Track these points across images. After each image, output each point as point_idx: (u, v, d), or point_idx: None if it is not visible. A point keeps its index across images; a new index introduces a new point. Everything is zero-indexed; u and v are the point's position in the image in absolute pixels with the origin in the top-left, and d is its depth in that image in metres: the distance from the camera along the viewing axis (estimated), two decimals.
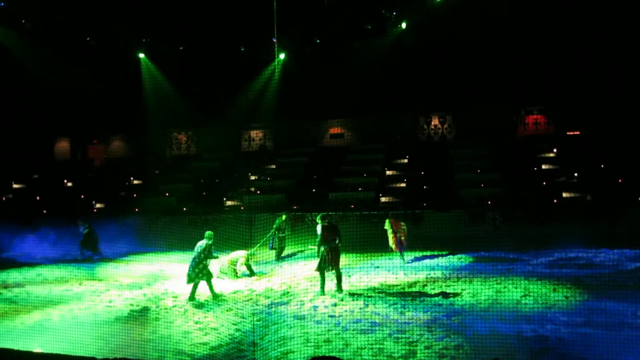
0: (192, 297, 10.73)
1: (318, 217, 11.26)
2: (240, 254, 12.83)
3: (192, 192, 21.78)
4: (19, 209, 20.80)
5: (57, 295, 11.73)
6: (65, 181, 24.17)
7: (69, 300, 11.22)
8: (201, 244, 10.75)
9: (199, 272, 10.68)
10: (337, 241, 10.94)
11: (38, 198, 22.19)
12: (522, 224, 15.83)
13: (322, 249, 10.87)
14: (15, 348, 7.36)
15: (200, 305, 10.53)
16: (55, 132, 26.60)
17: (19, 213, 19.85)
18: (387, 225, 13.41)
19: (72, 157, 26.90)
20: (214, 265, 12.26)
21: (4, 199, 22.54)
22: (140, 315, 10.14)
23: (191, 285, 10.77)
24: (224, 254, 13.10)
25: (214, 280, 11.20)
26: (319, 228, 11.04)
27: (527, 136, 21.88)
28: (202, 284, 10.94)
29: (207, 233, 10.91)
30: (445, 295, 10.66)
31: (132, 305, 10.87)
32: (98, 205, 21.68)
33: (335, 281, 11.10)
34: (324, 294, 10.84)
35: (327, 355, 7.77)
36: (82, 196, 22.06)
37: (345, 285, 11.25)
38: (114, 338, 8.91)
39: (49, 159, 26.57)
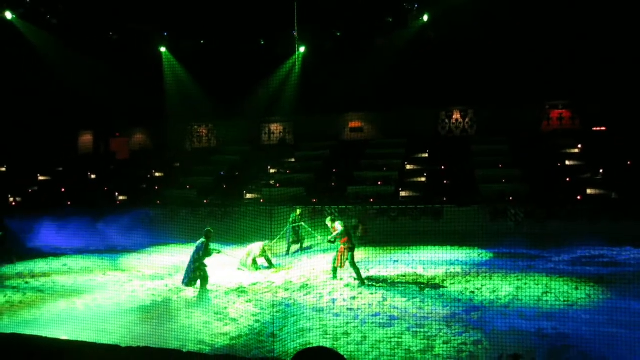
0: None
1: (327, 220, 11.72)
2: (256, 246, 12.97)
3: (212, 184, 22.03)
4: (44, 201, 21.33)
5: (82, 285, 12.04)
6: (89, 173, 24.66)
7: (94, 290, 11.51)
8: (199, 243, 10.56)
9: (198, 274, 10.42)
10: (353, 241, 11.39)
11: (63, 190, 22.70)
12: (545, 220, 15.63)
13: (340, 246, 11.21)
14: (43, 335, 7.62)
15: (219, 297, 10.70)
16: (78, 125, 27.09)
17: (44, 204, 20.36)
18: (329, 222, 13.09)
19: (95, 150, 27.40)
20: (230, 257, 12.44)
21: (29, 190, 23.11)
22: (162, 305, 10.35)
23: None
24: (242, 246, 13.27)
25: (215, 280, 11.27)
26: (340, 226, 11.21)
27: (551, 131, 21.54)
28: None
29: (205, 230, 10.70)
30: (464, 290, 10.65)
31: (154, 295, 11.11)
32: (121, 198, 22.08)
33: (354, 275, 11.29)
34: (336, 279, 11.24)
35: (334, 347, 7.86)
36: (105, 188, 22.50)
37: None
38: (137, 327, 9.11)
39: (72, 152, 27.11)
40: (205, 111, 24.64)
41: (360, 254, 12.46)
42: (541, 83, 20.38)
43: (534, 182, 17.90)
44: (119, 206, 20.67)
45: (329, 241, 11.43)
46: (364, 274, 11.49)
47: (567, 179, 18.11)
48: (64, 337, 8.34)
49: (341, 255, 11.28)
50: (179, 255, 12.81)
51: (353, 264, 11.20)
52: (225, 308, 10.02)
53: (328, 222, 11.70)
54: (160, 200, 20.45)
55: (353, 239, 11.50)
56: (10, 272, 13.54)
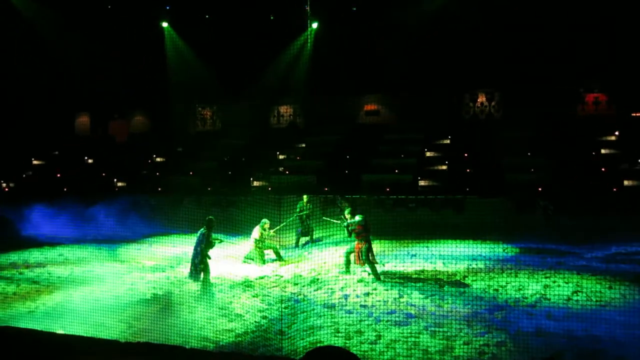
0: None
1: (347, 211, 11.63)
2: (255, 230, 13.02)
3: (217, 171, 22.13)
4: (39, 187, 21.58)
5: (79, 276, 12.20)
6: (86, 158, 24.89)
7: (91, 282, 11.64)
8: (200, 233, 10.57)
9: (201, 267, 10.46)
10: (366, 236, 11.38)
11: (58, 175, 22.94)
12: (577, 214, 15.49)
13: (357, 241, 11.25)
14: (38, 329, 7.74)
15: (224, 291, 10.78)
16: (75, 107, 27.31)
17: (38, 190, 20.60)
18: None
19: (93, 133, 27.64)
20: (237, 249, 12.53)
21: (23, 176, 23.38)
22: (163, 299, 10.46)
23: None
24: (247, 238, 13.33)
25: (219, 272, 11.35)
26: (359, 220, 11.28)
27: (586, 117, 21.23)
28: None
29: (207, 219, 10.71)
30: (487, 288, 10.62)
31: (154, 288, 11.22)
32: (119, 184, 22.29)
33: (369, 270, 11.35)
34: (349, 273, 11.34)
35: (346, 346, 7.89)
36: (103, 174, 22.69)
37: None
38: (137, 322, 9.26)
39: (69, 135, 27.36)
40: (209, 92, 24.69)
41: (375, 247, 12.45)
42: (575, 64, 20.05)
43: (566, 172, 17.70)
44: (117, 193, 20.86)
45: (344, 227, 11.46)
46: (379, 269, 11.49)
47: (603, 169, 17.88)
48: (60, 331, 8.47)
49: (359, 252, 11.26)
50: (182, 245, 12.92)
51: (368, 260, 11.20)
52: (230, 303, 10.09)
53: (347, 214, 11.72)
54: (162, 187, 20.60)
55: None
56: (4, 262, 13.76)
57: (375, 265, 11.28)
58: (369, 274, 11.43)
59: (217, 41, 23.43)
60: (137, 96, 25.60)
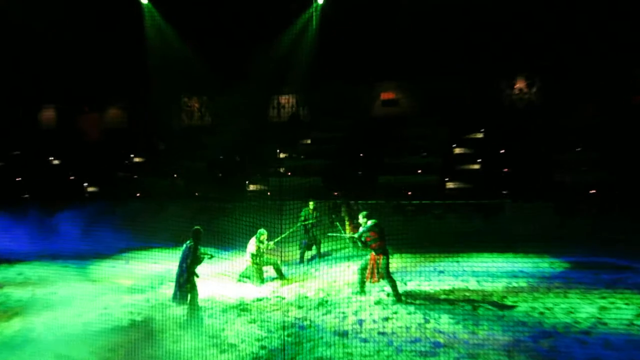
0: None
1: (363, 215, 11.57)
2: (251, 242, 12.91)
3: (206, 172, 22.08)
4: None
5: (42, 299, 12.11)
6: (51, 158, 24.92)
7: (56, 306, 11.56)
8: (185, 246, 10.48)
9: (187, 287, 10.32)
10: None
11: (19, 179, 22.96)
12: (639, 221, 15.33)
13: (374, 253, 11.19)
14: None
15: (215, 315, 10.68)
16: (38, 99, 27.38)
17: None
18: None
19: (60, 129, 27.69)
20: (230, 266, 12.42)
21: None
22: (142, 325, 10.37)
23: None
24: (242, 252, 13.23)
25: (208, 293, 11.29)
26: (371, 224, 11.18)
27: None
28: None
29: (193, 229, 10.63)
30: (531, 311, 10.50)
31: (132, 313, 11.12)
32: (90, 189, 22.29)
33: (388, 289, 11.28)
34: (364, 294, 11.30)
35: None
36: (72, 177, 22.70)
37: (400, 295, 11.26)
38: (111, 353, 9.14)
39: (31, 131, 27.42)
40: (197, 80, 24.66)
41: (394, 262, 12.33)
42: (635, 40, 19.85)
43: (625, 171, 17.52)
44: (88, 199, 20.83)
45: (355, 240, 11.33)
46: (400, 289, 11.35)
47: None
48: None
49: (374, 266, 11.16)
50: (164, 262, 12.82)
51: (388, 276, 11.08)
52: (222, 330, 9.99)
53: (361, 217, 11.58)
54: (141, 192, 20.57)
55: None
56: None
57: (396, 283, 11.16)
58: (388, 294, 11.27)
59: (205, 20, 23.41)
60: (111, 86, 25.61)
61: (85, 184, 22.40)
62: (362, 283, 11.58)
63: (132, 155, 24.59)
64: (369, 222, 11.28)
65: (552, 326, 9.70)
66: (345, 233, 12.39)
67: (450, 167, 20.04)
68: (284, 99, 25.79)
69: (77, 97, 26.93)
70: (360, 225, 11.71)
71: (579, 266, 13.52)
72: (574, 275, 12.68)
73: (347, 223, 14.91)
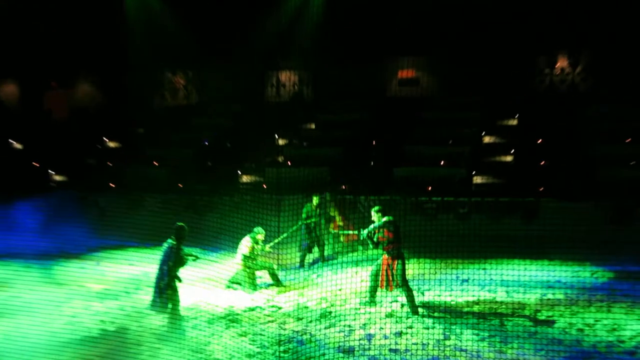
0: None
1: (375, 210, 11.68)
2: (244, 241, 12.99)
3: (191, 161, 22.11)
4: None
5: (0, 305, 12.19)
6: (12, 141, 24.98)
7: (16, 313, 11.60)
8: (166, 245, 10.54)
9: (168, 293, 10.40)
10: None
11: None
12: None
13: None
14: None
15: (200, 327, 10.76)
16: None
17: None
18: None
19: (22, 108, 27.70)
20: (218, 270, 12.50)
21: None
22: (115, 336, 10.42)
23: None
24: (233, 253, 13.31)
25: (192, 301, 11.36)
26: (386, 220, 11.22)
27: None
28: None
29: (176, 226, 10.70)
30: (568, 327, 10.56)
31: (104, 322, 11.21)
32: (57, 177, 22.34)
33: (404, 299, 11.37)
34: (374, 305, 11.35)
35: None
36: (36, 163, 22.75)
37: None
38: None
39: None
40: (183, 53, 24.64)
41: (411, 268, 12.38)
42: None
43: None
44: (54, 190, 20.90)
45: (366, 237, 11.38)
46: (416, 299, 11.42)
47: None
48: None
49: (387, 270, 11.21)
50: (141, 263, 12.91)
51: (404, 283, 11.15)
52: (208, 344, 10.04)
53: (374, 212, 11.63)
54: (115, 182, 20.62)
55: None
56: None
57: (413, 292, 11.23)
58: (402, 305, 11.35)
59: None
60: (82, 58, 25.61)
61: (51, 172, 22.46)
62: (374, 291, 11.65)
63: (105, 140, 24.63)
64: (384, 219, 11.31)
65: (593, 345, 9.74)
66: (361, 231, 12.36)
67: (478, 159, 20.01)
68: (284, 76, 25.75)
69: (43, 70, 26.93)
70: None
71: (626, 276, 13.56)
72: (620, 287, 12.70)
73: (338, 219, 15.03)
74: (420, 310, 11.27)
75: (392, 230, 11.22)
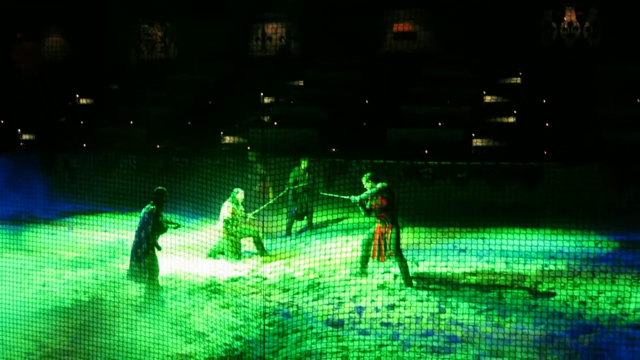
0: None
1: (366, 177, 11.66)
2: (225, 205, 13.02)
3: (170, 120, 21.99)
4: None
5: None
6: None
7: None
8: (145, 211, 10.59)
9: (146, 261, 10.47)
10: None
11: None
12: None
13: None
14: None
15: (180, 298, 10.81)
16: None
17: None
18: None
19: None
20: (199, 238, 12.51)
21: None
22: (89, 307, 10.43)
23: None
24: (214, 219, 13.31)
25: (171, 270, 11.40)
26: (380, 187, 11.22)
27: None
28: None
29: (155, 190, 10.76)
30: (569, 300, 10.64)
31: (77, 292, 11.27)
32: (25, 137, 22.20)
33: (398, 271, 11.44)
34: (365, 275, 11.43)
35: None
36: (2, 121, 22.59)
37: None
38: (50, 340, 9.29)
39: None
40: (162, 2, 24.34)
41: (405, 237, 12.41)
42: None
43: None
44: (23, 150, 20.78)
45: (356, 205, 11.40)
46: (411, 270, 11.50)
47: None
48: None
49: (379, 239, 11.25)
50: (117, 230, 12.91)
51: (398, 253, 11.19)
52: (189, 316, 10.11)
53: (364, 181, 11.64)
54: (88, 142, 20.51)
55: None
56: None
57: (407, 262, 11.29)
58: (395, 276, 11.43)
59: None
60: (52, 7, 25.26)
61: (19, 130, 22.31)
62: (365, 261, 11.71)
63: (77, 96, 24.43)
64: (378, 185, 11.32)
65: (595, 319, 9.80)
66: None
67: (478, 120, 20.00)
68: (270, 28, 25.51)
69: (9, 21, 26.57)
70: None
71: (632, 246, 13.54)
72: (625, 257, 12.74)
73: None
74: (414, 281, 11.33)
75: (386, 197, 11.23)
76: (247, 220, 13.42)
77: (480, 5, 22.13)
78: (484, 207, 15.29)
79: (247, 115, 21.30)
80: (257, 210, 13.79)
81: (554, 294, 10.96)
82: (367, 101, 21.55)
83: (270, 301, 10.73)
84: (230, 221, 12.97)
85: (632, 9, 21.28)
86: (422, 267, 12.27)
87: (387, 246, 11.23)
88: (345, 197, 11.96)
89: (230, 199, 13.03)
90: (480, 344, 9.01)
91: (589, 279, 11.61)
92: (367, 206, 11.36)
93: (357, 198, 11.32)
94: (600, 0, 22.38)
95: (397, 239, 11.21)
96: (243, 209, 13.26)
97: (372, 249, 11.48)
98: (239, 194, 13.09)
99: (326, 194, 13.71)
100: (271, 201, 14.26)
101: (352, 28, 23.90)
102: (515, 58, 22.12)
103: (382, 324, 9.75)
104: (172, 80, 24.46)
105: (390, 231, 11.22)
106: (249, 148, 15.35)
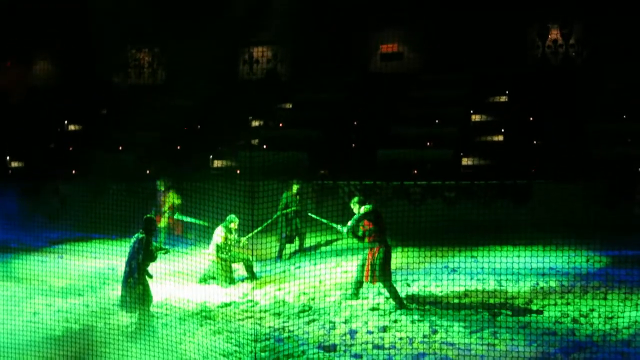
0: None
1: (354, 201, 11.71)
2: (217, 231, 13.01)
3: (159, 145, 21.98)
4: None
5: None
6: None
7: None
8: (135, 239, 10.53)
9: (138, 289, 10.39)
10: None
11: None
12: None
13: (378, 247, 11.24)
14: None
15: (172, 324, 10.77)
16: None
17: None
18: None
19: None
20: (191, 263, 12.49)
21: None
22: (80, 336, 10.36)
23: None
24: (205, 244, 13.29)
25: (163, 297, 11.37)
26: (364, 212, 11.23)
27: None
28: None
29: (145, 218, 10.74)
30: (562, 317, 10.70)
31: (67, 320, 11.19)
32: (14, 164, 22.14)
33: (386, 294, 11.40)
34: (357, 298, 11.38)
35: None
36: None
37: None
38: None
39: None
40: (148, 27, 24.41)
41: (396, 258, 12.42)
42: None
43: None
44: (11, 177, 20.72)
45: (350, 234, 11.43)
46: (402, 291, 11.50)
47: None
48: None
49: (372, 262, 11.24)
50: (107, 257, 12.87)
51: (383, 275, 11.18)
52: (181, 343, 10.06)
53: (354, 205, 11.68)
54: (77, 169, 20.45)
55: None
56: None
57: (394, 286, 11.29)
58: (386, 298, 11.41)
59: None
60: (40, 32, 25.29)
61: (8, 158, 22.25)
62: (359, 284, 11.70)
63: (66, 122, 24.41)
64: (362, 209, 11.36)
65: (588, 336, 9.86)
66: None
67: (467, 139, 20.08)
68: (258, 51, 25.61)
69: None
70: None
71: (623, 262, 13.60)
72: (617, 273, 12.74)
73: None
74: (405, 302, 11.33)
75: (372, 220, 11.25)
76: (241, 244, 13.39)
77: (466, 25, 22.27)
78: (474, 226, 15.32)
79: (236, 138, 21.30)
80: (250, 235, 13.77)
81: (546, 312, 10.97)
82: (355, 122, 21.61)
83: (262, 326, 10.69)
84: (222, 246, 12.94)
85: (616, 26, 21.47)
86: (414, 288, 12.25)
87: (374, 267, 11.22)
88: (334, 225, 11.98)
89: (223, 224, 13.00)
90: None
91: (581, 295, 11.64)
92: (360, 233, 11.38)
93: (346, 228, 11.36)
94: (583, 18, 22.56)
95: (384, 260, 11.17)
96: (236, 236, 13.24)
97: (365, 271, 11.48)
98: (233, 224, 13.07)
99: (315, 217, 13.71)
100: (264, 225, 14.24)
101: (340, 48, 24.03)
102: (502, 76, 22.22)
103: (375, 347, 9.72)
104: (160, 105, 24.46)
105: (377, 253, 11.21)
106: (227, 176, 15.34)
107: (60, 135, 23.88)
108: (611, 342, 9.62)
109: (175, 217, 15.60)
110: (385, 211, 12.51)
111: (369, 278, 11.41)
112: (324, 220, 12.97)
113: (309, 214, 14.69)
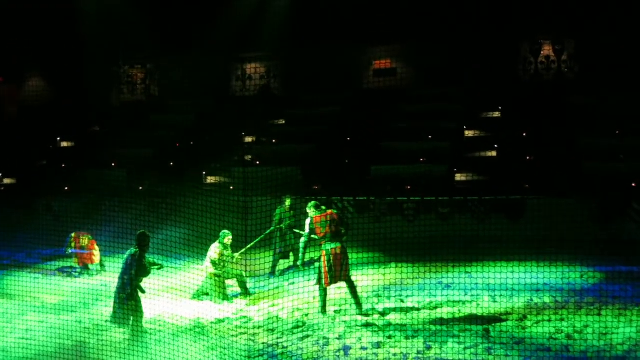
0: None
1: (310, 205, 12.21)
2: (212, 248, 13.04)
3: (152, 161, 21.97)
4: None
5: None
6: None
7: None
8: (128, 254, 10.64)
9: (130, 305, 10.49)
10: (344, 237, 11.77)
11: None
12: None
13: (327, 248, 11.58)
14: None
15: (165, 340, 10.73)
16: None
17: None
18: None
19: None
20: (184, 279, 12.49)
21: None
22: (73, 352, 10.40)
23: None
24: (199, 260, 13.29)
25: (156, 313, 11.39)
26: (310, 220, 11.73)
27: None
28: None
29: (138, 234, 10.82)
30: (556, 333, 10.71)
31: (60, 337, 11.12)
32: (7, 181, 22.10)
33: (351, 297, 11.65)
34: (326, 314, 11.60)
35: None
36: None
37: (396, 315, 11.48)
38: None
39: None
40: (141, 44, 24.48)
41: (390, 274, 12.45)
42: None
43: None
44: (3, 194, 20.67)
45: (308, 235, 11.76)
46: (392, 306, 11.61)
47: None
48: None
49: (327, 265, 11.47)
50: (100, 273, 12.85)
51: (319, 280, 11.56)
52: (174, 359, 10.03)
53: (309, 209, 11.93)
54: (70, 185, 20.43)
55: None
56: None
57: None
58: (381, 313, 11.52)
59: None
60: (32, 50, 25.33)
61: (0, 175, 22.22)
62: (324, 294, 11.85)
63: (58, 139, 24.39)
64: (311, 212, 11.85)
65: (582, 352, 9.85)
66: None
67: (460, 154, 20.11)
68: (251, 68, 25.68)
69: None
70: None
71: (617, 277, 13.61)
72: (611, 289, 12.74)
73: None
74: (399, 318, 11.37)
75: (322, 224, 11.62)
76: (235, 260, 13.39)
77: (459, 41, 22.39)
78: (468, 242, 15.33)
79: (229, 154, 21.30)
80: (243, 250, 13.78)
81: (540, 328, 10.96)
82: (348, 138, 21.65)
83: (256, 342, 10.69)
84: (217, 262, 12.94)
85: (608, 41, 21.61)
86: (408, 303, 12.26)
87: (339, 269, 11.51)
88: (303, 233, 12.19)
89: (218, 240, 13.01)
90: None
91: (575, 311, 11.65)
92: (317, 237, 11.78)
93: (304, 239, 11.68)
94: (576, 34, 22.70)
95: (328, 262, 11.56)
96: (230, 252, 13.25)
97: (322, 275, 11.69)
98: (227, 239, 13.08)
99: (298, 231, 13.90)
100: (256, 241, 14.24)
101: (333, 64, 24.08)
102: (495, 92, 22.32)
103: None
104: (153, 121, 24.50)
105: (328, 256, 11.56)
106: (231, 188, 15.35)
107: (53, 152, 23.84)
108: (605, 359, 9.64)
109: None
110: (379, 227, 12.52)
111: (326, 280, 11.55)
112: (304, 233, 13.16)
113: (295, 230, 14.82)
